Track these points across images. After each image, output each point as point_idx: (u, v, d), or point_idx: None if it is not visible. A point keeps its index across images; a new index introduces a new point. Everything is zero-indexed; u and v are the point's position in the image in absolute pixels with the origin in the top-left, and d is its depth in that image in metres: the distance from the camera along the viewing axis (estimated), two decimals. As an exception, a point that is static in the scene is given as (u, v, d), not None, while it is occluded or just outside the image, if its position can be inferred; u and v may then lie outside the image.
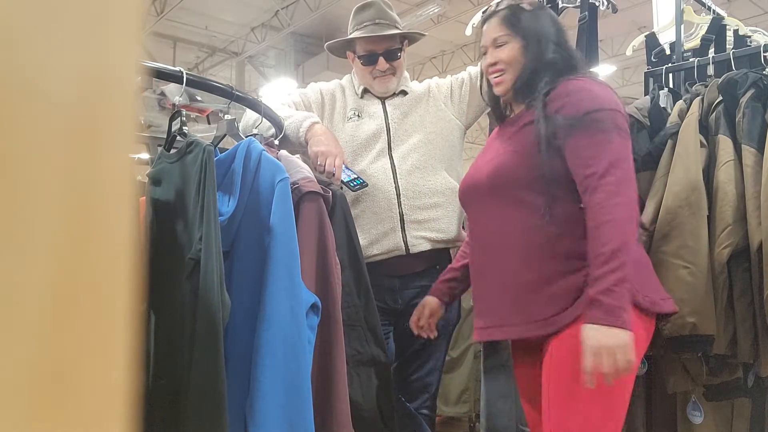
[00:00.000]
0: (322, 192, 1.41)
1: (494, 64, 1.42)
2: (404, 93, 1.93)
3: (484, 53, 1.46)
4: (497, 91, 1.45)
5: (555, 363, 1.29)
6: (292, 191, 1.30)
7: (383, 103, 1.91)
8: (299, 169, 1.42)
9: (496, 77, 1.43)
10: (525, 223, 1.32)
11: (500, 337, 1.50)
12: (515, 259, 1.34)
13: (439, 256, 1.87)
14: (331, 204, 1.48)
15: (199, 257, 1.15)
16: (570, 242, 1.29)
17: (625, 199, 1.23)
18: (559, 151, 1.30)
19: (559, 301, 1.28)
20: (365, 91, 1.93)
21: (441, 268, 1.87)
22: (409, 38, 1.96)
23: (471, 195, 1.47)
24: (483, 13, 1.51)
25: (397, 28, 1.91)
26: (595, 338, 1.17)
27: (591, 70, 1.93)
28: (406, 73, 1.97)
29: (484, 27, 1.47)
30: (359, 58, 1.89)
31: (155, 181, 1.34)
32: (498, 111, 1.54)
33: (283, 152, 1.54)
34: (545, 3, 1.98)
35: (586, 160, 1.26)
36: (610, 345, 1.15)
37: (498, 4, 1.46)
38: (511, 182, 1.35)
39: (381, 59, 1.86)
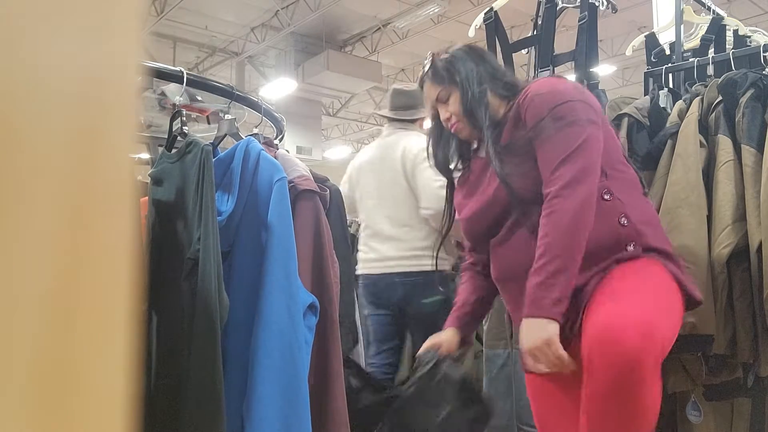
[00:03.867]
0: (318, 190, 1.41)
1: (448, 118, 1.49)
2: None
3: (436, 112, 1.52)
4: (463, 137, 1.52)
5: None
6: (288, 189, 1.30)
7: None
8: (295, 168, 1.42)
9: (455, 128, 1.49)
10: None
11: None
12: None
13: None
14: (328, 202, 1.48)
15: (198, 257, 1.15)
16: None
17: (571, 191, 1.23)
18: (519, 166, 1.32)
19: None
20: None
21: None
22: None
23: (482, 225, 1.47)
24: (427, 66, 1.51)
25: None
26: (526, 337, 1.20)
27: (591, 70, 1.94)
28: None
29: (424, 90, 1.52)
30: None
31: (157, 181, 1.34)
32: (466, 151, 1.57)
33: (282, 151, 1.54)
34: (545, 3, 1.99)
35: (551, 156, 1.28)
36: (538, 344, 1.18)
37: (423, 66, 1.52)
38: (507, 208, 1.37)
39: None
